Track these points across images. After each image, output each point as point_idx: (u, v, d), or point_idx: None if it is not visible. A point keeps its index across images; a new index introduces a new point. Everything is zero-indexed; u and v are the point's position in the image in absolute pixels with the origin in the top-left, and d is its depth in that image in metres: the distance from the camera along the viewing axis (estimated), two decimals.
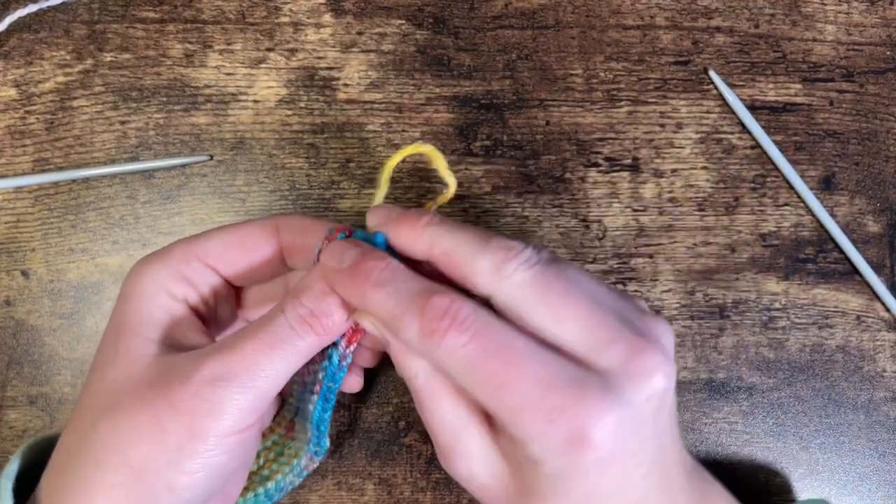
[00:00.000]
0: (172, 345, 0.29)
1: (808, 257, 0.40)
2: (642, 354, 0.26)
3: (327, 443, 0.32)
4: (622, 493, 0.26)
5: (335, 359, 0.30)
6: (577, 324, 0.26)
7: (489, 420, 0.28)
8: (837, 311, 0.40)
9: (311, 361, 0.30)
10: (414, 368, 0.28)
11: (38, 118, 0.40)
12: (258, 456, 0.34)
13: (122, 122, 0.40)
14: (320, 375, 0.31)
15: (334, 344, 0.30)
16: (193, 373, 0.27)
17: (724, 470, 0.39)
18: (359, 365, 0.34)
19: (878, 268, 0.40)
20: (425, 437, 0.39)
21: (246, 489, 0.33)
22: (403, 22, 0.41)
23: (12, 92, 0.40)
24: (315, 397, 0.31)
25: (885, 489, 0.39)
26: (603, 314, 0.26)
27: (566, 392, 0.25)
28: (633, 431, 0.26)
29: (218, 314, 0.33)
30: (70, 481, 0.27)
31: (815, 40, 0.42)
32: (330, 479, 0.39)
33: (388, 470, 0.38)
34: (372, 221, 0.29)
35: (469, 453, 0.28)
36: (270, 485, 0.33)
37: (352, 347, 0.30)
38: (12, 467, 0.28)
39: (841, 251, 0.40)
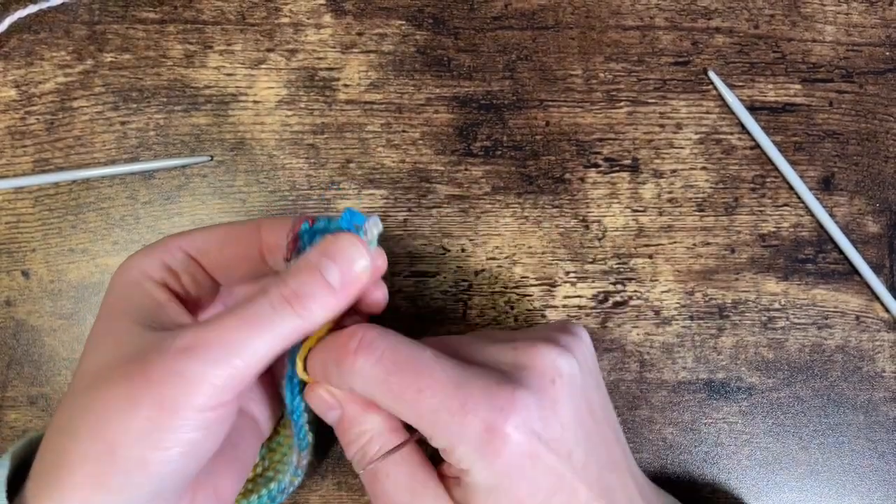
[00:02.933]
0: (156, 326, 0.29)
1: (808, 258, 0.40)
2: (534, 349, 0.29)
3: (309, 436, 0.32)
4: (564, 492, 0.28)
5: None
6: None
7: (444, 480, 0.29)
8: (837, 312, 0.40)
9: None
10: (367, 429, 0.30)
11: (38, 119, 0.40)
12: (263, 458, 0.34)
13: (123, 123, 0.40)
14: (287, 360, 0.30)
15: None
16: (168, 345, 0.26)
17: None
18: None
19: (877, 268, 0.40)
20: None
21: (250, 492, 0.33)
22: (403, 22, 0.41)
23: (12, 93, 0.40)
24: (283, 381, 0.31)
25: (885, 489, 0.39)
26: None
27: (475, 387, 0.27)
28: (550, 415, 0.27)
29: (201, 306, 0.33)
30: (50, 456, 0.27)
31: (814, 41, 0.42)
32: (330, 479, 0.39)
33: None
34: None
35: None
36: (273, 486, 0.33)
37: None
38: (1, 473, 0.28)
39: (840, 251, 0.40)
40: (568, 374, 0.28)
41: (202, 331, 0.26)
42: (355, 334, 0.28)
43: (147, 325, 0.28)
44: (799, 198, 0.41)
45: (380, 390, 0.28)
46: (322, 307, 0.28)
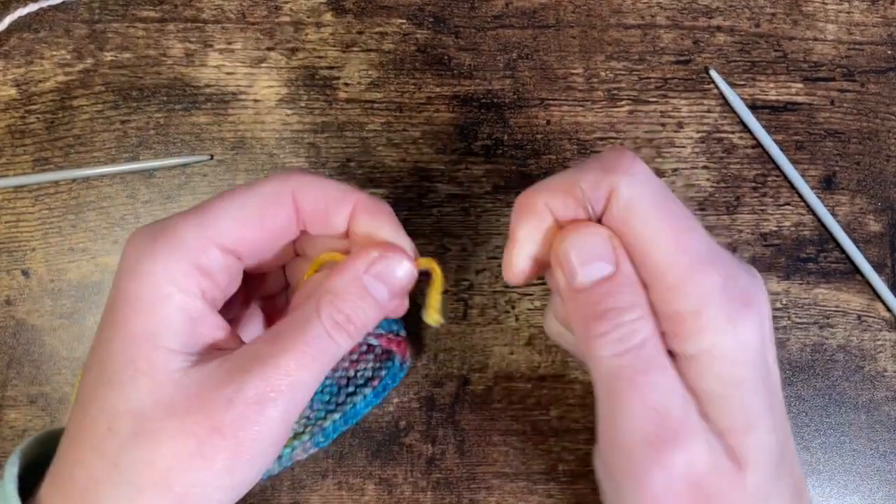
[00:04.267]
0: (196, 351, 0.27)
1: (809, 257, 0.40)
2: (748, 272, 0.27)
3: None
4: (753, 392, 0.26)
5: (396, 362, 0.37)
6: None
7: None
8: (838, 311, 0.40)
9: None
10: (637, 303, 0.26)
11: (38, 117, 0.40)
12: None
13: (123, 122, 0.40)
14: (382, 373, 0.37)
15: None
16: (235, 395, 0.25)
17: None
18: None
19: (878, 267, 0.40)
20: (425, 437, 0.39)
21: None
22: (404, 21, 0.41)
23: (13, 91, 0.40)
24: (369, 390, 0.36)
25: (886, 489, 0.39)
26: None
27: (727, 258, 0.26)
28: (767, 324, 0.26)
29: (231, 306, 0.31)
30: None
31: (815, 39, 0.42)
32: (330, 479, 0.39)
33: (389, 470, 0.38)
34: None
35: (697, 439, 0.25)
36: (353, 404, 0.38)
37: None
38: (12, 470, 0.27)
39: (842, 251, 0.40)
40: (769, 309, 0.27)
41: (269, 376, 0.26)
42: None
43: (188, 354, 0.26)
44: (800, 197, 0.40)
45: (652, 204, 0.25)
46: (370, 326, 0.29)
